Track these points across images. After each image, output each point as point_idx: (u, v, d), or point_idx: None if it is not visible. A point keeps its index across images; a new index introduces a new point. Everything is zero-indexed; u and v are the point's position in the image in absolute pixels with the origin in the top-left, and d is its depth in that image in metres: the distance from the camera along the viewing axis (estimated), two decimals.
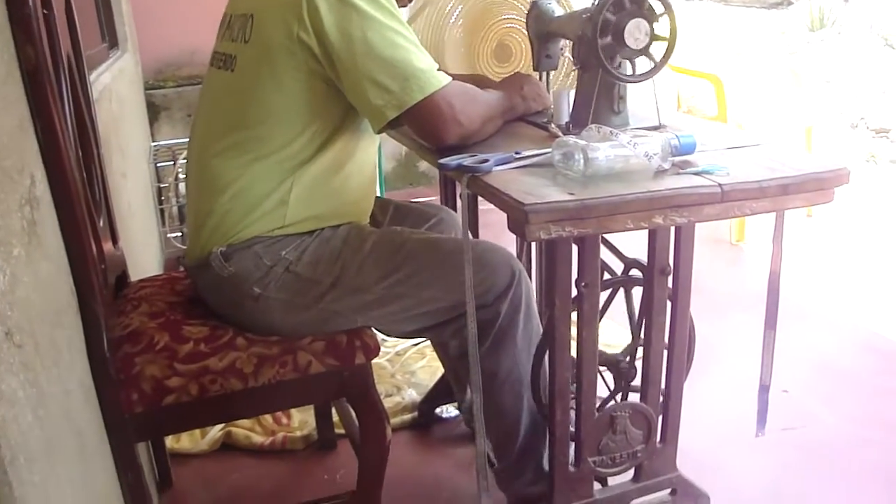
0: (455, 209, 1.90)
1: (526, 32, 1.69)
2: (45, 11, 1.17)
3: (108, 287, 1.41)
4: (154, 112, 3.67)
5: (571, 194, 1.15)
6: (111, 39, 2.97)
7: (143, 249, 2.45)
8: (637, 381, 1.56)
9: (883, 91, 4.88)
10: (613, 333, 2.20)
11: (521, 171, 1.27)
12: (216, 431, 1.98)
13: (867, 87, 4.96)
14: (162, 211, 3.20)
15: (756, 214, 1.27)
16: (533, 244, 1.97)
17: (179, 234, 3.23)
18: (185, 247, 1.54)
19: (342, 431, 1.90)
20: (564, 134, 1.42)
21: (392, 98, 1.30)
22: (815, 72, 5.19)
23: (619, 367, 1.57)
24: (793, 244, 2.68)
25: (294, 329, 1.41)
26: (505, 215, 1.18)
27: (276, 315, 1.40)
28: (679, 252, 1.46)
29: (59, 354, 1.01)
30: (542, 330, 1.47)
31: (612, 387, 1.60)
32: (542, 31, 1.63)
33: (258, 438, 1.97)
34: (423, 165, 4.30)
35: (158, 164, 3.26)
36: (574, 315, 1.40)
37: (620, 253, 1.57)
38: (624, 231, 1.19)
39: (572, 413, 1.47)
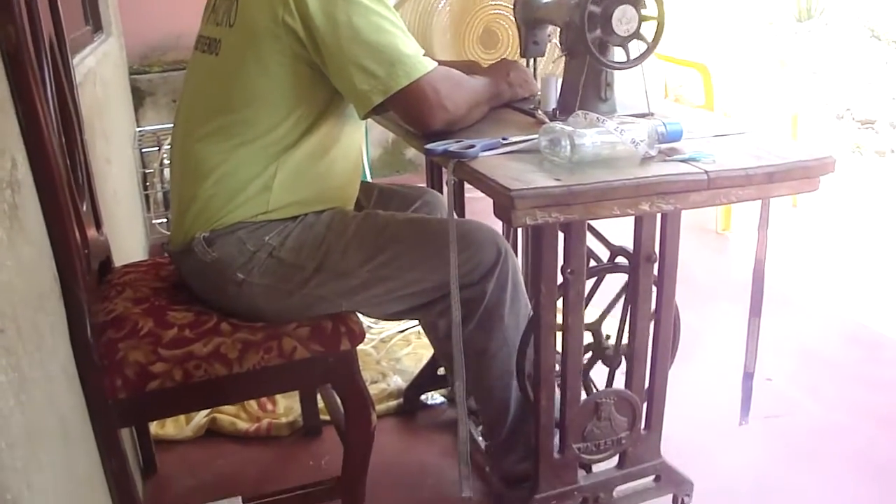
0: (441, 195, 1.89)
1: (513, 19, 1.68)
2: None
3: (92, 272, 1.40)
4: (139, 97, 3.64)
5: (558, 180, 1.15)
6: (95, 23, 2.94)
7: (127, 235, 2.44)
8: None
9: (869, 82, 4.90)
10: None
11: (508, 157, 1.27)
12: (201, 418, 1.97)
13: (853, 78, 4.98)
14: (147, 197, 3.18)
15: (742, 202, 1.27)
16: (519, 231, 1.97)
17: (164, 220, 3.21)
18: (169, 233, 1.53)
19: (327, 418, 1.89)
20: (551, 120, 1.42)
21: (378, 83, 1.30)
22: (801, 62, 5.21)
23: (605, 354, 1.58)
24: (778, 234, 2.69)
25: (278, 314, 1.41)
26: (491, 203, 1.18)
27: (260, 301, 1.40)
28: (665, 240, 1.46)
29: (41, 339, 1.00)
30: (530, 307, 1.47)
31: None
32: (530, 18, 1.63)
33: (243, 425, 1.97)
34: (410, 153, 4.29)
35: (143, 150, 3.23)
36: (560, 302, 1.40)
37: (606, 240, 1.57)
38: (610, 217, 1.19)
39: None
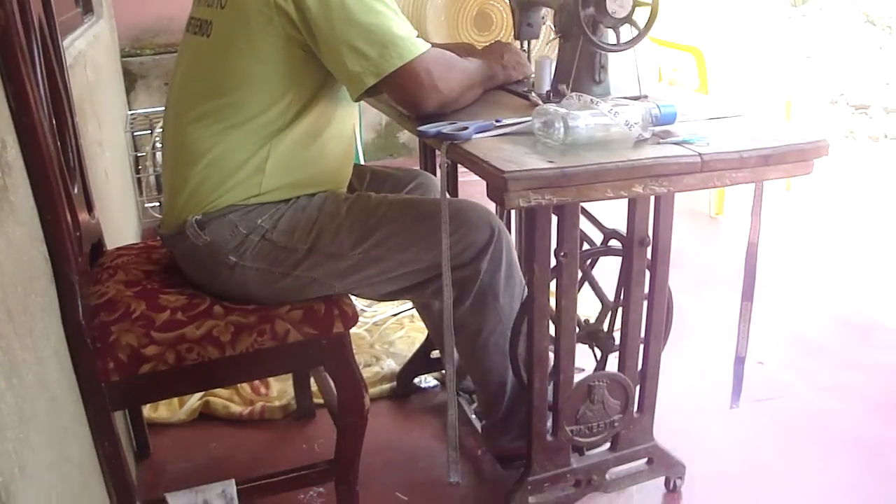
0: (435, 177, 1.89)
1: (507, 1, 1.68)
2: None
3: (84, 255, 1.39)
4: (130, 80, 3.62)
5: (551, 162, 1.14)
6: (85, 4, 2.91)
7: (119, 219, 2.43)
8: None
9: (863, 67, 4.90)
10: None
11: (501, 139, 1.26)
12: (194, 401, 1.97)
13: (847, 63, 4.97)
14: (139, 180, 3.17)
15: (736, 185, 1.27)
16: (513, 213, 1.97)
17: (157, 203, 3.19)
18: (161, 216, 1.52)
19: (321, 401, 1.90)
20: (545, 102, 1.41)
21: (370, 65, 1.29)
22: (795, 47, 5.20)
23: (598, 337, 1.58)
24: (771, 218, 2.70)
25: (271, 297, 1.40)
26: (485, 185, 1.17)
27: (253, 283, 1.39)
28: (658, 223, 1.46)
29: (32, 322, 1.00)
30: (525, 286, 1.47)
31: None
32: (524, 0, 1.62)
33: (236, 408, 1.97)
34: (404, 136, 4.28)
35: (135, 133, 3.22)
36: (553, 285, 1.40)
37: (600, 223, 1.57)
38: (603, 200, 1.19)
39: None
